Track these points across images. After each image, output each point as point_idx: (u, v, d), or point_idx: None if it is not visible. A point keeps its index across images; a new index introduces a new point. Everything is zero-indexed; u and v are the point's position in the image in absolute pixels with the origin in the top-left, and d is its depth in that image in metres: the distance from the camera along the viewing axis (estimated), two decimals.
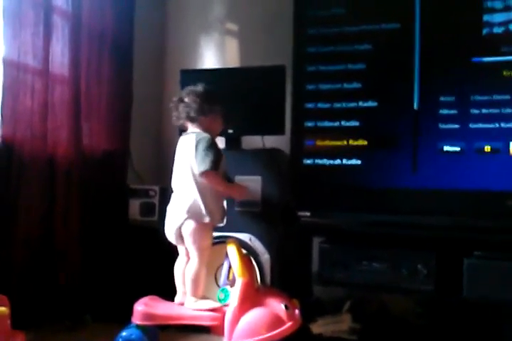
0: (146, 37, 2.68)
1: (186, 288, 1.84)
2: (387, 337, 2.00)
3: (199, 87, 1.90)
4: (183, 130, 1.96)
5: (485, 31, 1.91)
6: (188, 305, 1.82)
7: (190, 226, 1.81)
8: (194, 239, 1.82)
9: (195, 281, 1.82)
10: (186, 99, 1.87)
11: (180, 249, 1.90)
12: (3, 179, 1.82)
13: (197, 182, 1.81)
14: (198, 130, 1.87)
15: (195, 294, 1.82)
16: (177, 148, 1.93)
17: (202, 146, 1.80)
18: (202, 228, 1.83)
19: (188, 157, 1.83)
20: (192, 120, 1.87)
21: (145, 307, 1.78)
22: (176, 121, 1.91)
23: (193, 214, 1.81)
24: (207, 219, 1.82)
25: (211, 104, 1.87)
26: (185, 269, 1.86)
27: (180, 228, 1.83)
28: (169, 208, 1.90)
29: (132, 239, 2.25)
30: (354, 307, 2.03)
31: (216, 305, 1.79)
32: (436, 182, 1.93)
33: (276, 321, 1.66)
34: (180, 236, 1.84)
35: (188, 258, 1.88)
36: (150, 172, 2.62)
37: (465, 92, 1.91)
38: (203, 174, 1.78)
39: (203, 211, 1.81)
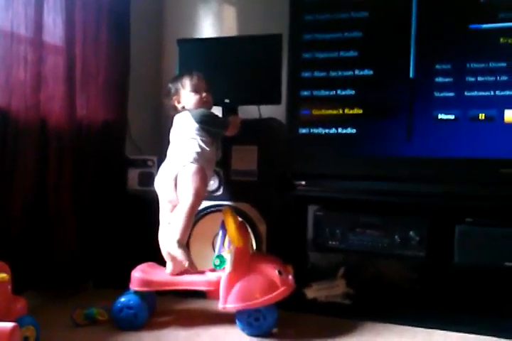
0: (143, 6, 2.65)
1: (174, 228, 1.78)
2: (380, 301, 2.05)
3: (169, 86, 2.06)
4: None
5: None
6: (168, 247, 1.79)
7: (191, 168, 1.83)
8: (192, 180, 1.81)
9: (185, 224, 1.77)
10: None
11: (166, 214, 1.91)
12: (0, 147, 1.83)
13: (200, 146, 1.88)
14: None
15: (181, 239, 1.76)
16: (172, 127, 2.01)
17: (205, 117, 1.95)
18: (202, 172, 1.85)
19: (188, 129, 1.93)
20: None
21: (142, 274, 1.83)
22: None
23: (196, 160, 1.85)
24: (207, 171, 1.89)
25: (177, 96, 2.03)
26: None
27: (178, 173, 1.84)
28: (163, 166, 1.94)
29: (131, 208, 2.29)
30: (348, 272, 2.07)
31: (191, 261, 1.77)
32: (431, 150, 1.94)
33: (269, 286, 1.71)
34: (175, 184, 1.85)
35: None
36: (148, 142, 2.64)
37: (461, 60, 1.89)
38: (226, 130, 1.99)
39: (206, 164, 1.88)
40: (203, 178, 1.86)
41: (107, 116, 2.36)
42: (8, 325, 1.20)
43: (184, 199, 1.82)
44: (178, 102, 2.03)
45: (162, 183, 1.91)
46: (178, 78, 2.06)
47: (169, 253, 1.88)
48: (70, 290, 2.10)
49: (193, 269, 1.78)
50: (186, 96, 2.01)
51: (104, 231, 2.26)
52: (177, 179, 1.86)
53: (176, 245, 1.76)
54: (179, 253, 1.76)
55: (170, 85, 2.06)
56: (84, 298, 2.06)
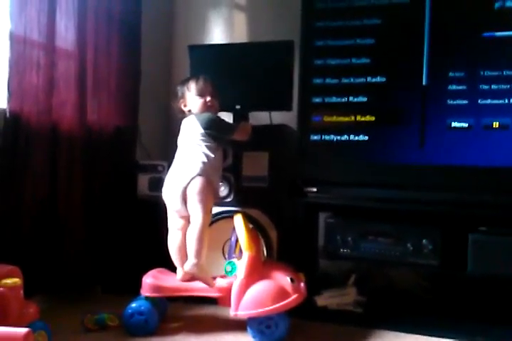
0: (154, 12, 2.66)
1: (189, 251, 1.83)
2: (391, 310, 2.04)
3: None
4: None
5: (497, 5, 1.88)
6: (189, 268, 1.80)
7: (198, 183, 1.83)
8: (201, 197, 1.83)
9: (200, 243, 1.81)
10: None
11: (174, 220, 1.92)
12: (11, 151, 1.84)
13: (205, 154, 1.88)
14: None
15: (199, 261, 1.80)
16: (180, 131, 2.01)
17: (211, 122, 1.93)
18: (210, 185, 1.87)
19: (194, 133, 1.93)
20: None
21: (153, 280, 1.83)
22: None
23: (203, 172, 1.85)
24: (214, 180, 1.89)
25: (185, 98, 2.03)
26: (180, 244, 1.88)
27: (186, 187, 1.84)
28: (170, 174, 1.93)
29: (141, 213, 2.28)
30: (359, 280, 2.06)
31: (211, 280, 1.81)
32: (443, 158, 1.93)
33: (281, 293, 1.70)
34: (184, 198, 1.85)
35: (183, 231, 1.89)
36: (158, 148, 2.64)
37: (475, 68, 1.89)
38: (233, 135, 1.97)
39: (212, 172, 1.88)
40: (210, 192, 1.88)
41: (118, 121, 2.36)
42: (22, 330, 1.19)
43: (194, 219, 1.84)
44: (184, 105, 2.03)
45: (170, 194, 1.90)
46: (184, 81, 2.05)
47: (178, 260, 1.88)
48: (78, 295, 2.09)
49: (212, 287, 1.80)
50: (191, 99, 2.00)
51: (113, 236, 2.25)
52: (185, 192, 1.85)
53: (195, 269, 1.80)
54: (202, 277, 1.81)
55: (178, 88, 2.06)
56: (93, 303, 2.05)
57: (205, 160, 1.87)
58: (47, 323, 1.54)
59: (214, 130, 1.92)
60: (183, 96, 2.03)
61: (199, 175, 1.84)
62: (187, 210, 1.87)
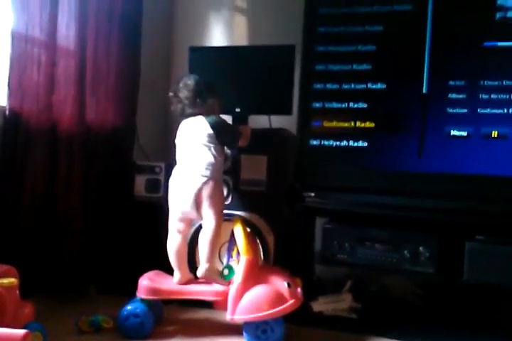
0: (154, 13, 2.65)
1: (201, 255, 1.83)
2: (386, 316, 2.04)
3: (191, 81, 1.94)
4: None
5: (498, 15, 1.90)
6: (202, 273, 1.80)
7: (211, 187, 1.82)
8: (215, 200, 1.82)
9: (212, 247, 1.82)
10: (180, 94, 1.93)
11: (175, 223, 1.89)
12: (11, 149, 1.83)
13: (214, 156, 1.86)
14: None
15: (211, 265, 1.81)
16: (180, 131, 1.96)
17: (221, 125, 1.91)
18: (221, 188, 1.88)
19: (200, 135, 1.88)
20: (187, 116, 1.94)
21: (150, 282, 1.82)
22: (176, 113, 1.99)
23: (213, 175, 1.83)
24: (220, 177, 1.90)
25: (204, 97, 1.92)
26: (179, 247, 1.89)
27: (199, 191, 1.81)
28: (177, 175, 1.89)
29: (137, 214, 2.27)
30: (355, 287, 2.06)
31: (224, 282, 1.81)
32: (442, 166, 1.94)
33: (278, 298, 1.69)
34: (197, 202, 1.82)
35: (182, 234, 1.90)
36: (156, 148, 2.63)
37: (475, 77, 1.90)
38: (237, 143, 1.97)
39: (219, 175, 1.88)
40: (222, 195, 1.90)
41: (116, 120, 2.35)
42: (20, 331, 1.18)
43: (207, 223, 1.83)
44: (209, 107, 1.94)
45: (179, 196, 1.86)
46: (210, 88, 1.96)
47: (176, 263, 1.87)
48: (73, 296, 2.08)
49: (227, 285, 1.79)
50: (214, 102, 1.97)
51: (110, 236, 2.24)
52: (198, 196, 1.81)
53: (208, 273, 1.81)
54: (218, 281, 1.81)
55: (208, 88, 1.95)
56: (88, 304, 2.03)
57: (214, 162, 1.85)
58: (42, 324, 1.52)
59: (222, 134, 1.89)
60: (191, 98, 1.92)
61: (210, 178, 1.83)
62: (196, 213, 1.85)
